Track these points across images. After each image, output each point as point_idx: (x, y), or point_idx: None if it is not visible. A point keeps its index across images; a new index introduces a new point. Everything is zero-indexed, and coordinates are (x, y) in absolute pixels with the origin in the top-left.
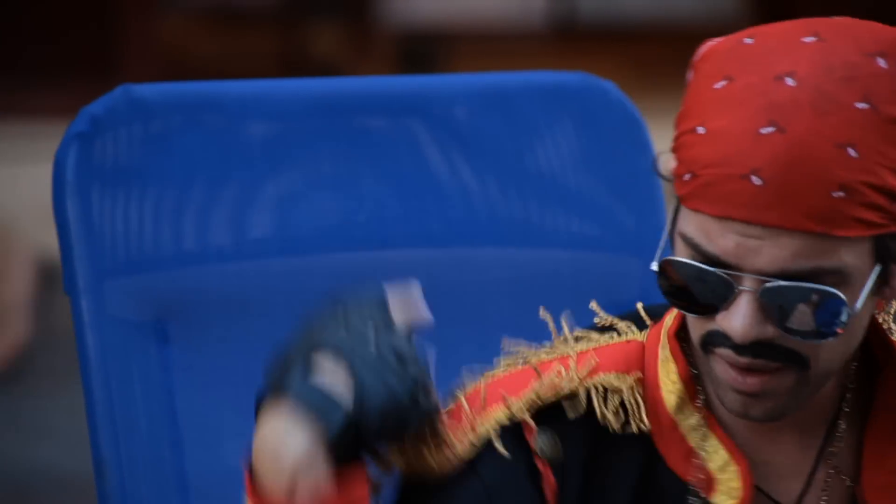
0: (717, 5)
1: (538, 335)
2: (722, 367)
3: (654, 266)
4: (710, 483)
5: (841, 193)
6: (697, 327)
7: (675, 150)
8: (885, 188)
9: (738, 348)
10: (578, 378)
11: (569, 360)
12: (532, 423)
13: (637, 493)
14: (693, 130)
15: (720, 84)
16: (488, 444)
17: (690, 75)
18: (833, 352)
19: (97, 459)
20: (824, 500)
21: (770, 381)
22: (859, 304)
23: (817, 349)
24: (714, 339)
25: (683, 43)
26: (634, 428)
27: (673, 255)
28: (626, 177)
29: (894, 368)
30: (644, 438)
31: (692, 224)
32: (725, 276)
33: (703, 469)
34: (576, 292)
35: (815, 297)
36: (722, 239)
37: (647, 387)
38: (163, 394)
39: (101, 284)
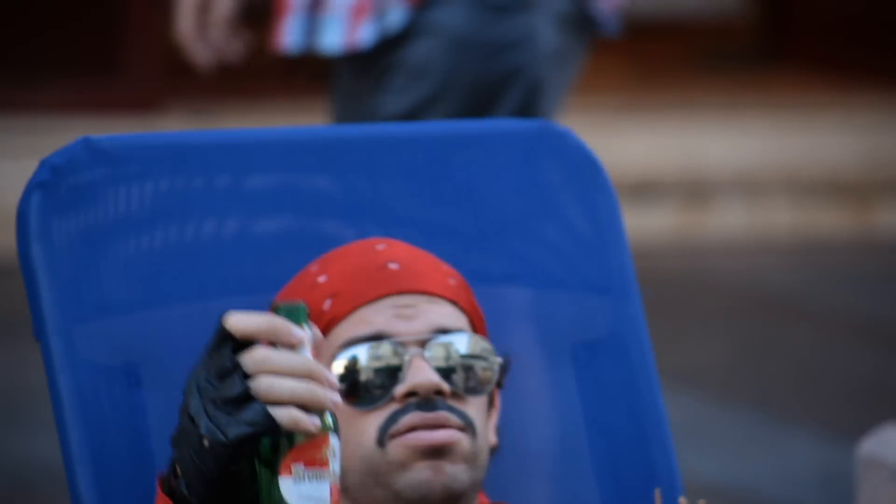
0: (721, 1)
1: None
2: (403, 443)
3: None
4: None
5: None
6: (371, 428)
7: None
8: None
9: (427, 405)
10: None
11: None
12: None
13: None
14: (314, 281)
15: (316, 271)
16: None
17: None
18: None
19: (75, 497)
20: None
21: (454, 434)
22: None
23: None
24: (393, 421)
25: (687, 39)
26: None
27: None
28: (588, 219)
29: None
30: None
31: (345, 334)
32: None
33: None
34: (541, 331)
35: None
36: (387, 322)
37: None
38: (138, 437)
39: (70, 329)
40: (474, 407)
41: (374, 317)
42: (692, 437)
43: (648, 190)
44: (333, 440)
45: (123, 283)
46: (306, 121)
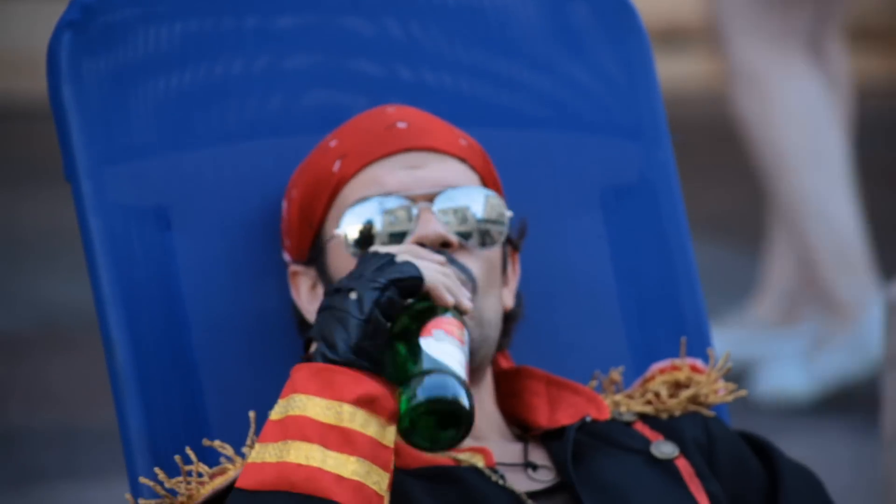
0: None
1: (533, 211)
2: None
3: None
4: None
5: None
6: None
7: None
8: None
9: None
10: None
11: None
12: None
13: None
14: (326, 146)
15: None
16: None
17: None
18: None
19: (106, 340)
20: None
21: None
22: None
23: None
24: None
25: None
26: None
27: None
28: (621, 64)
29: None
30: None
31: (354, 192)
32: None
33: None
34: (571, 175)
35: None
36: (392, 176)
37: None
38: (168, 277)
39: (101, 170)
40: (482, 263)
41: (383, 174)
42: (718, 284)
43: (677, 37)
44: (466, 332)
45: (154, 125)
46: None
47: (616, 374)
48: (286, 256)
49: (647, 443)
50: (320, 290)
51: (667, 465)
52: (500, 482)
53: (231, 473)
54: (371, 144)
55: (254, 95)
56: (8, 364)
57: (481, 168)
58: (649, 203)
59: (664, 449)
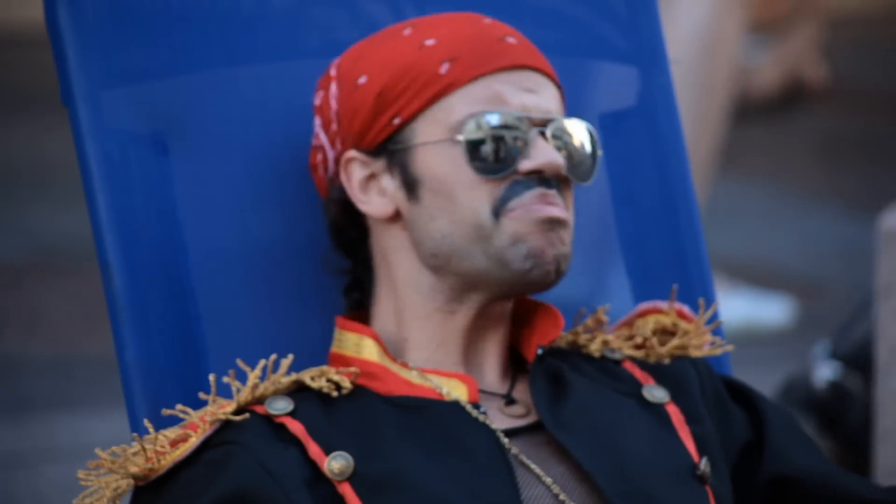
0: None
1: None
2: (521, 215)
3: (461, 138)
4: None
5: None
6: (486, 197)
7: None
8: None
9: (546, 182)
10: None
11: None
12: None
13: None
14: (418, 41)
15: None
16: (223, 426)
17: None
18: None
19: (104, 265)
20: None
21: (566, 212)
22: None
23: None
24: (513, 192)
25: None
26: (345, 389)
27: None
28: None
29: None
30: (360, 391)
31: (467, 105)
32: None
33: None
34: (570, 100)
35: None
36: (514, 95)
37: (350, 363)
38: (166, 203)
39: (98, 95)
40: (571, 198)
41: (504, 91)
42: (714, 215)
43: None
44: None
45: (152, 48)
46: None
47: (602, 312)
48: (325, 140)
49: (639, 385)
50: (382, 183)
51: (658, 410)
52: (481, 419)
53: (192, 440)
54: (484, 55)
55: (255, 18)
56: (2, 294)
57: (562, 91)
58: (648, 128)
59: (656, 393)
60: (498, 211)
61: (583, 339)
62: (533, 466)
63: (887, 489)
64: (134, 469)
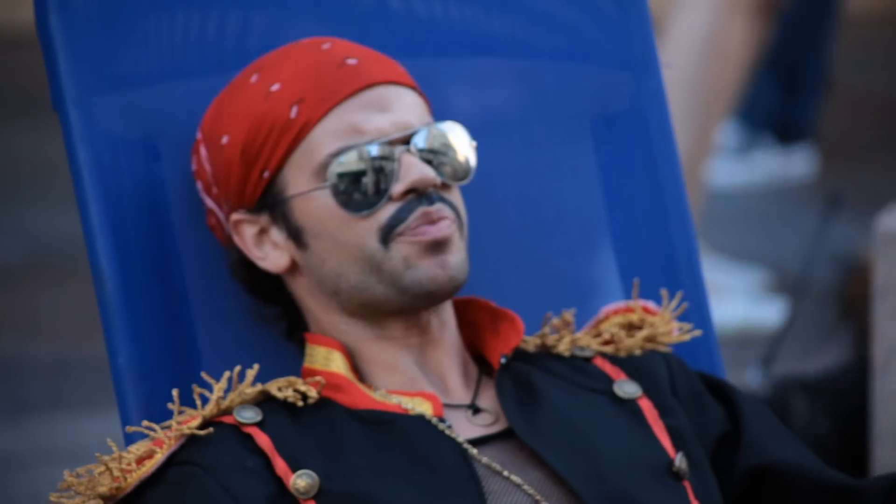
0: None
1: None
2: (408, 240)
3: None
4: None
5: None
6: (369, 230)
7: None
8: None
9: (426, 198)
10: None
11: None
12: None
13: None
14: (264, 89)
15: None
16: (188, 441)
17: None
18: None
19: (96, 271)
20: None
21: (451, 225)
22: None
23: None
24: (397, 219)
25: None
26: (311, 399)
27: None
28: None
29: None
30: (327, 403)
31: (326, 143)
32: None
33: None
34: (562, 104)
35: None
36: (367, 120)
37: (319, 376)
38: (157, 208)
39: (89, 100)
40: (457, 195)
41: (356, 120)
42: (714, 215)
43: None
44: None
45: (142, 55)
46: None
47: (568, 315)
48: (213, 204)
49: (610, 381)
50: (273, 236)
51: (630, 406)
52: (447, 432)
53: (158, 457)
54: (329, 87)
55: (244, 25)
56: (0, 295)
57: (420, 92)
58: (640, 132)
59: (627, 388)
60: (386, 238)
61: (550, 340)
62: (506, 473)
63: (867, 479)
64: (101, 489)
